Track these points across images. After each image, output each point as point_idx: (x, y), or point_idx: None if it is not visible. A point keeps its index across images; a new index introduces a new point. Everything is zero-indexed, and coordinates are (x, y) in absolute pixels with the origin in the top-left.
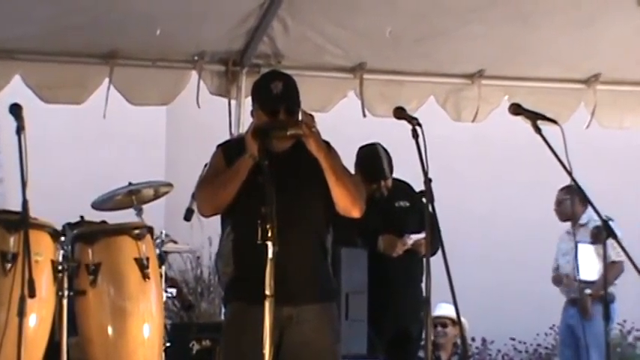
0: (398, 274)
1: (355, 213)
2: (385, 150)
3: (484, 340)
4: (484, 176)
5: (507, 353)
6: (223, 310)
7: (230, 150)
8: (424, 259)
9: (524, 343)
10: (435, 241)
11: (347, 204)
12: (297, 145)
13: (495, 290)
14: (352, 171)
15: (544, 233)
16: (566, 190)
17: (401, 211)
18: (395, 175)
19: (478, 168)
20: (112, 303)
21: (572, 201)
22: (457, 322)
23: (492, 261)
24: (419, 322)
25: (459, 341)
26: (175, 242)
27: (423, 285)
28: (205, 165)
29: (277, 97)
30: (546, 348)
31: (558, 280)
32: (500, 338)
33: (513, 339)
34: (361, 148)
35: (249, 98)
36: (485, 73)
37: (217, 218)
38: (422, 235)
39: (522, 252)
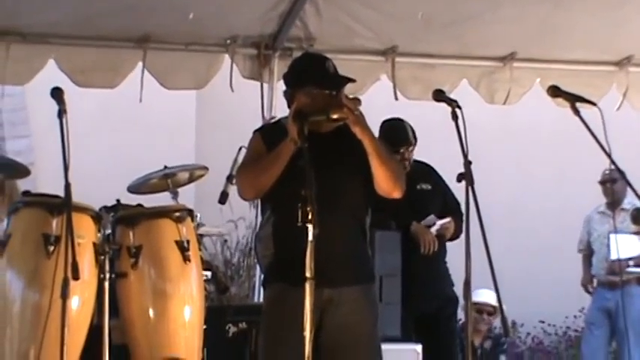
0: (422, 256)
1: (397, 194)
2: (409, 124)
3: (514, 323)
4: (510, 161)
5: (537, 336)
6: (262, 292)
7: (268, 134)
8: (446, 242)
9: (554, 325)
10: (461, 227)
11: (389, 185)
12: (340, 128)
13: (523, 275)
14: None
15: (570, 218)
16: (613, 171)
17: (423, 193)
18: (424, 158)
19: (504, 152)
20: (153, 285)
21: (621, 183)
22: (497, 310)
23: (519, 246)
24: (446, 303)
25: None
26: (204, 225)
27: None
28: (240, 148)
29: (336, 76)
30: (575, 330)
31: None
32: (530, 321)
33: (543, 322)
34: (384, 122)
35: (282, 81)
36: (517, 56)
37: (244, 204)
38: (446, 220)
39: (548, 237)
